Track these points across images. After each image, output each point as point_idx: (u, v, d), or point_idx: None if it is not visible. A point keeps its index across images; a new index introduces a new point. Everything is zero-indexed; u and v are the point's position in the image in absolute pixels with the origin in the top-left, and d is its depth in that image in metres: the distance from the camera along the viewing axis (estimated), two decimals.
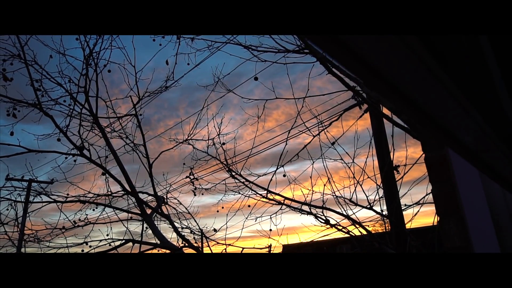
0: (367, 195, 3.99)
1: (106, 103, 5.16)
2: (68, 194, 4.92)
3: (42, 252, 4.60)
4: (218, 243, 4.77)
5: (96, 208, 5.14)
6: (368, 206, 3.98)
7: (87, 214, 5.04)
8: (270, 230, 4.56)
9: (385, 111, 3.97)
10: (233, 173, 4.73)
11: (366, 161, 4.13)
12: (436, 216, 3.01)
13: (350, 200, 4.01)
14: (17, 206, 4.68)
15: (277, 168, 4.54)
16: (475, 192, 1.50)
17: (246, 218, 4.70)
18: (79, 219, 4.93)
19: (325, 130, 4.37)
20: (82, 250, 4.61)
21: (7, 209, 4.68)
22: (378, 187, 3.98)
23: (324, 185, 4.16)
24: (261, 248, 4.51)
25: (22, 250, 4.94)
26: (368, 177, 4.01)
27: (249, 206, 4.78)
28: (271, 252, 4.26)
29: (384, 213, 3.97)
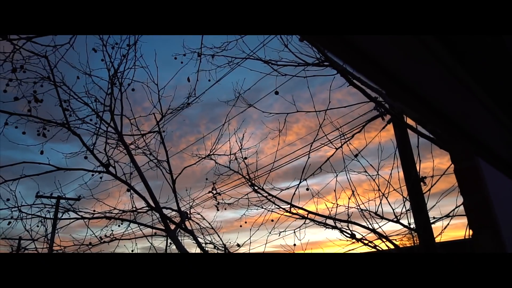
0: (393, 208, 3.94)
1: (131, 121, 5.28)
2: (94, 211, 5.01)
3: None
4: None
5: (122, 224, 5.20)
6: (395, 219, 3.93)
7: (112, 230, 5.11)
8: (294, 245, 4.52)
9: (409, 121, 3.89)
10: (256, 188, 4.72)
11: (391, 173, 4.01)
12: (468, 229, 2.88)
13: (375, 213, 3.98)
14: (46, 223, 4.80)
15: (300, 182, 4.52)
16: (510, 203, 1.42)
17: (270, 232, 4.68)
18: (105, 235, 4.99)
19: (348, 142, 4.36)
20: None
21: (37, 226, 4.80)
22: (404, 199, 3.92)
23: (349, 198, 4.13)
24: None
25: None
26: (394, 189, 3.99)
27: (272, 220, 4.76)
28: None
29: (411, 226, 3.87)
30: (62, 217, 4.97)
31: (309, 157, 4.56)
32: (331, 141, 4.48)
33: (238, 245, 5.25)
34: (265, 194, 4.65)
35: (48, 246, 4.85)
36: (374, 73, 0.49)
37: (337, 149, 4.41)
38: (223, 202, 5.37)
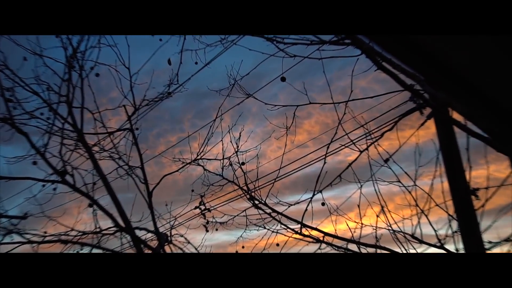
0: (436, 230, 3.94)
1: (94, 115, 5.27)
2: (45, 232, 4.99)
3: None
4: None
5: (81, 249, 5.18)
6: (438, 244, 3.92)
7: None
8: None
9: (456, 116, 3.87)
10: (256, 202, 4.71)
11: (432, 183, 3.99)
12: None
13: (412, 236, 3.97)
14: None
15: (313, 195, 4.53)
16: None
17: None
18: None
19: (376, 143, 4.35)
20: None
21: None
22: (450, 218, 3.91)
23: (377, 216, 4.16)
24: None
25: None
26: (436, 205, 3.98)
27: (277, 245, 4.78)
28: None
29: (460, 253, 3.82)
30: (2, 241, 4.95)
31: (325, 163, 4.57)
32: (354, 141, 4.49)
33: None
34: (269, 211, 4.65)
35: None
36: (410, 54, 0.48)
37: (361, 152, 4.40)
38: (213, 220, 5.35)
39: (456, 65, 0.54)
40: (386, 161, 4.23)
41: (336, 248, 4.31)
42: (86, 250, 5.16)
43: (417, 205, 4.02)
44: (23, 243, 4.82)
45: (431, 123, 4.16)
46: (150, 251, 5.07)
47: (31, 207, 5.19)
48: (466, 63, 0.54)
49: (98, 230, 5.12)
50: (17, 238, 4.88)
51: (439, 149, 4.08)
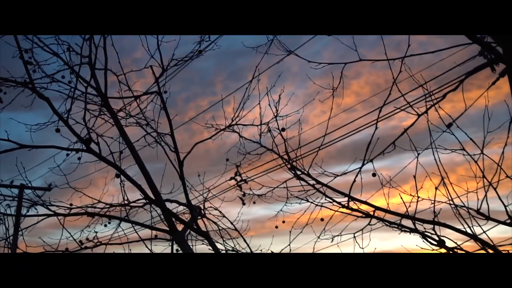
0: (506, 205, 3.83)
1: (119, 78, 5.26)
2: (71, 205, 5.08)
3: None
4: None
5: (109, 223, 5.27)
6: (508, 221, 3.85)
7: (96, 232, 5.19)
8: None
9: None
10: (298, 173, 4.64)
11: (503, 152, 3.85)
12: None
13: (477, 211, 3.89)
14: (6, 221, 4.91)
15: (362, 165, 4.51)
16: None
17: (318, 237, 4.65)
18: (87, 238, 5.08)
19: (436, 105, 4.28)
20: None
21: None
22: None
23: (436, 188, 4.08)
24: None
25: None
26: (507, 177, 3.90)
27: (322, 219, 4.77)
28: None
29: None
30: (28, 214, 5.07)
31: (376, 128, 4.53)
32: (411, 104, 4.40)
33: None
34: (312, 182, 4.59)
35: (9, 252, 4.99)
36: None
37: (419, 115, 4.33)
38: (251, 193, 5.31)
39: None
40: (448, 126, 4.12)
41: (388, 224, 4.22)
42: (114, 223, 5.25)
43: (484, 177, 3.91)
44: (49, 215, 4.91)
45: (504, 82, 4.07)
46: (182, 225, 5.10)
47: (56, 178, 5.28)
48: None
49: (126, 202, 5.19)
50: (42, 210, 4.98)
51: None
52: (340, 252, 4.43)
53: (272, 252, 5.16)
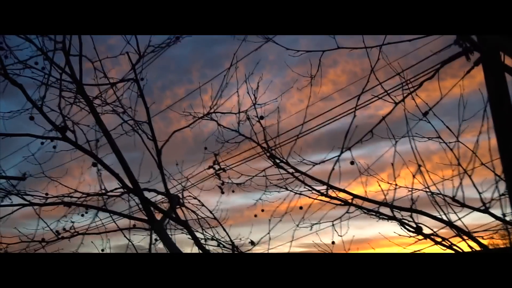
0: (480, 192, 3.90)
1: (94, 64, 5.18)
2: (47, 194, 5.03)
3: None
4: None
5: (86, 213, 5.25)
6: (482, 208, 3.90)
7: (73, 222, 5.16)
8: (333, 242, 4.52)
9: (509, 61, 3.75)
10: (277, 161, 4.67)
11: (477, 140, 3.93)
12: None
13: (453, 198, 3.95)
14: None
15: (340, 153, 4.52)
16: None
17: (297, 225, 4.68)
18: (64, 229, 5.05)
19: (413, 94, 4.29)
20: None
21: None
22: (497, 179, 3.88)
23: (413, 176, 4.12)
24: None
25: None
26: (482, 164, 3.94)
27: (301, 208, 4.80)
28: None
29: (507, 218, 3.84)
30: (2, 204, 5.02)
31: (354, 116, 4.55)
32: (388, 92, 4.43)
33: (252, 243, 5.27)
34: (291, 170, 4.62)
35: None
36: None
37: (396, 104, 4.35)
38: (229, 181, 5.34)
39: None
40: (424, 114, 4.17)
41: (367, 212, 4.28)
42: (91, 213, 5.23)
43: (459, 164, 3.98)
44: (24, 205, 4.88)
45: (478, 71, 4.12)
46: (161, 215, 5.11)
47: (30, 167, 5.23)
48: None
49: (103, 191, 5.16)
50: (16, 200, 4.94)
51: (487, 101, 4.01)
52: (333, 252, 4.46)
53: (251, 241, 5.22)
